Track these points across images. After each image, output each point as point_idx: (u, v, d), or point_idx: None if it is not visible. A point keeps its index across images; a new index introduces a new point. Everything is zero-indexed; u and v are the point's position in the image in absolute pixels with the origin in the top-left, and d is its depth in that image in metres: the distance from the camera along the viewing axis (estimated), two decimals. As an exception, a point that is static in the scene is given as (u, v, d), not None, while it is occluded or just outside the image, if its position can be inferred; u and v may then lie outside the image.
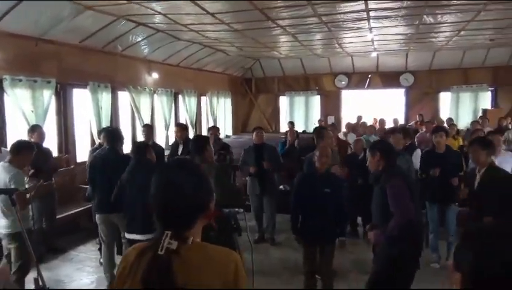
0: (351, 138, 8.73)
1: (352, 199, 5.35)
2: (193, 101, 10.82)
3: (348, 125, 9.96)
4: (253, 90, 14.48)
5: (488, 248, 1.07)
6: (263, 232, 6.35)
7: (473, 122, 9.15)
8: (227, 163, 6.33)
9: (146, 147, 4.52)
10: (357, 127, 9.84)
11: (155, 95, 9.26)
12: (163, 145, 8.26)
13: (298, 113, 13.88)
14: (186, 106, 10.52)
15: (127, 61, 8.32)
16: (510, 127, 9.24)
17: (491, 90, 12.47)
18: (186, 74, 10.61)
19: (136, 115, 8.62)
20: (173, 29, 7.77)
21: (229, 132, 13.29)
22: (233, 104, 13.61)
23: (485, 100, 12.45)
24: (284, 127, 13.55)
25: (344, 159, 6.08)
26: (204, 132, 10.65)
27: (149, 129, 7.13)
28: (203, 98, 11.68)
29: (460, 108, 12.48)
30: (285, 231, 5.93)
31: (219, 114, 12.39)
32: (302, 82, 14.06)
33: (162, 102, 9.52)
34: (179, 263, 1.27)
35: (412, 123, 11.45)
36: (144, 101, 8.79)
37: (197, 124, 11.18)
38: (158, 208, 1.37)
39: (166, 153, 6.99)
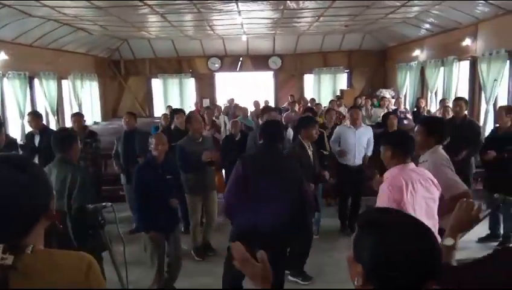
0: (226, 119, 8.92)
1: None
2: (52, 85, 9.74)
3: (220, 108, 10.12)
4: (122, 72, 13.68)
5: (388, 237, 1.07)
6: (139, 222, 6.13)
7: (331, 102, 10.09)
8: (94, 152, 5.91)
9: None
10: (229, 109, 10.09)
11: (4, 79, 8.08)
12: (18, 137, 7.34)
13: (172, 96, 13.60)
14: (45, 91, 9.43)
15: (-36, 40, 7.08)
16: (363, 105, 10.45)
17: (347, 72, 13.89)
18: (42, 55, 9.46)
19: (-20, 102, 7.44)
20: (23, 4, 6.82)
21: (98, 118, 12.39)
22: (100, 88, 12.67)
23: (342, 81, 13.84)
24: (158, 111, 13.18)
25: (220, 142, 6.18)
26: (68, 120, 9.74)
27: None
28: (64, 82, 10.60)
29: (321, 89, 13.65)
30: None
31: (85, 99, 11.43)
32: (175, 64, 13.79)
33: (14, 87, 8.33)
34: (18, 278, 1.09)
35: (285, 104, 12.10)
36: (-9, 86, 7.62)
37: (59, 111, 10.15)
38: None
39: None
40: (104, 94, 13.04)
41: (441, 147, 3.31)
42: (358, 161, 5.73)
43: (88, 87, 11.76)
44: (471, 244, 5.00)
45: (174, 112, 6.56)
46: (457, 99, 5.98)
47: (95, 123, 11.65)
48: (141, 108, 13.62)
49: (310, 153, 4.71)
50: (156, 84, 13.94)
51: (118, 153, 5.95)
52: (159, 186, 3.86)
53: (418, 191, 2.72)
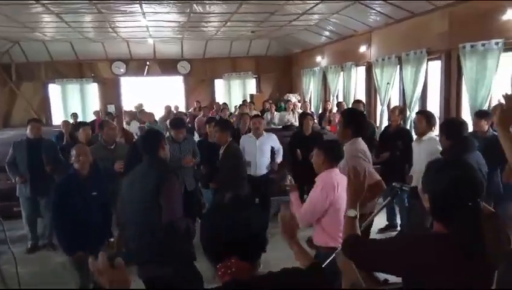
0: (135, 126, 8.55)
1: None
2: None
3: (129, 113, 9.66)
4: (13, 77, 12.38)
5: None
6: (37, 240, 5.59)
7: (241, 106, 10.25)
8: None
9: None
10: (137, 115, 9.70)
11: None
12: None
13: (73, 103, 12.65)
14: None
15: None
16: (269, 109, 10.80)
17: (255, 78, 14.22)
18: None
19: None
20: None
21: (-14, 128, 11.09)
22: (-12, 95, 11.34)
23: (251, 86, 14.14)
24: (57, 119, 12.18)
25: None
26: None
27: None
28: None
29: (232, 94, 13.80)
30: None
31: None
32: (75, 68, 12.87)
33: None
34: None
35: (191, 109, 12.01)
36: None
37: None
38: None
39: None
40: (-8, 102, 11.69)
41: (360, 139, 3.49)
42: (260, 171, 5.57)
43: (-28, 94, 10.45)
44: (372, 235, 5.36)
45: (80, 125, 6.14)
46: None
47: (-18, 134, 10.40)
48: (37, 116, 12.45)
49: None
50: (54, 90, 12.86)
51: (15, 162, 5.34)
52: (83, 204, 3.54)
53: (344, 191, 2.99)
